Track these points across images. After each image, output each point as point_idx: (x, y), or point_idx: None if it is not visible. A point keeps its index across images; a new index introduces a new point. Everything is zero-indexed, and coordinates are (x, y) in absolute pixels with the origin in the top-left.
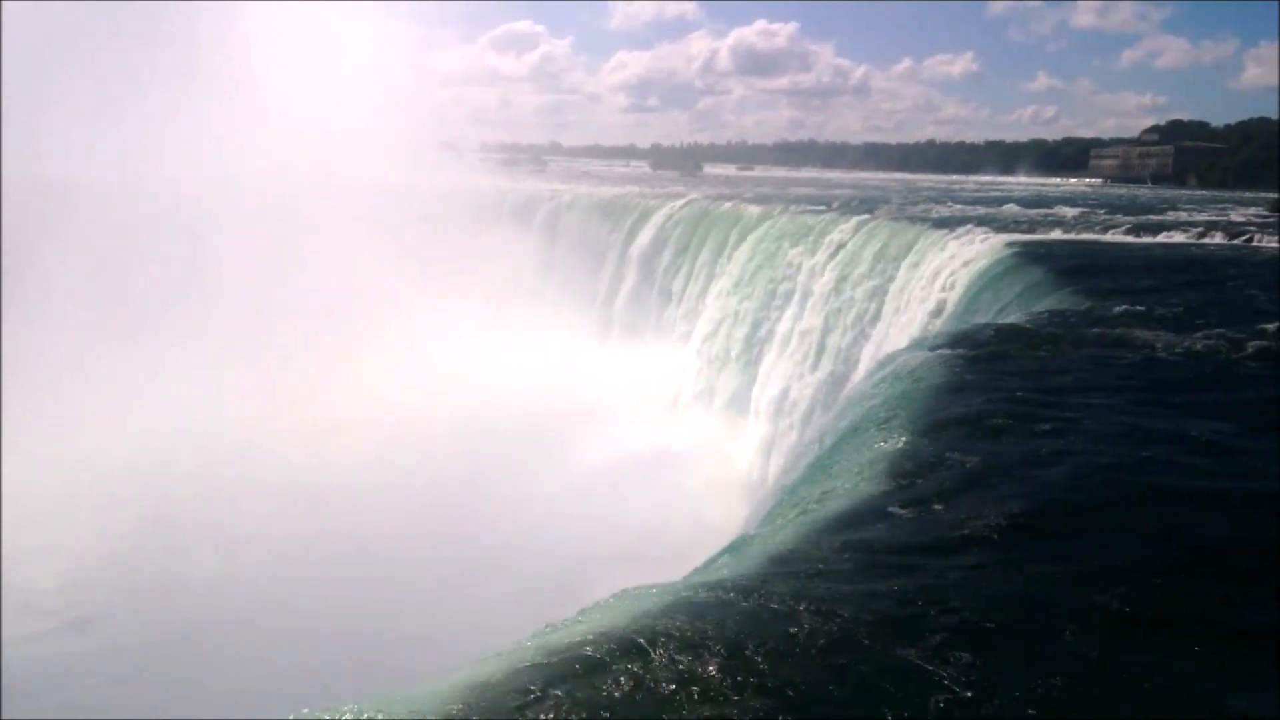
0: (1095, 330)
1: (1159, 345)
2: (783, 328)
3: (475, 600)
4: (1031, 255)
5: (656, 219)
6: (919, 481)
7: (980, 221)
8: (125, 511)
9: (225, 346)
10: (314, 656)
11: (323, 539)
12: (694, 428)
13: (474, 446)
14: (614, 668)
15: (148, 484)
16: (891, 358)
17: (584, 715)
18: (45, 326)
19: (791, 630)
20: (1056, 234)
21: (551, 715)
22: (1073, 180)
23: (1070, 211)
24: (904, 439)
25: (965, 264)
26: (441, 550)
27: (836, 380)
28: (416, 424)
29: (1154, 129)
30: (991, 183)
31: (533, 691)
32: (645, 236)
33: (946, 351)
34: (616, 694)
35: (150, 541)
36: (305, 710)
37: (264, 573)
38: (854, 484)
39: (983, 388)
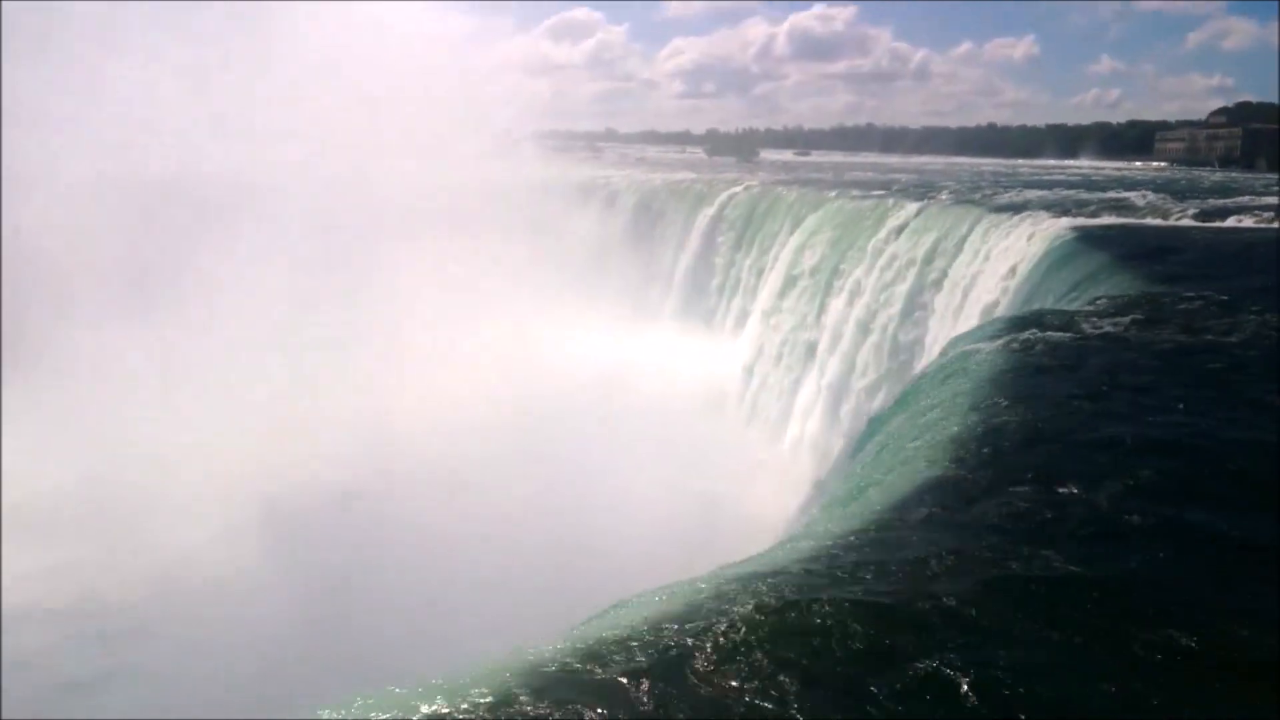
0: (1158, 318)
1: (1223, 333)
2: (840, 314)
3: (537, 586)
4: (1094, 240)
5: (715, 204)
6: (976, 472)
7: (1042, 206)
8: (160, 500)
9: (281, 337)
10: (353, 645)
11: (379, 525)
12: (749, 415)
13: (527, 437)
14: (643, 662)
15: (190, 469)
16: (951, 345)
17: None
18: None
19: (832, 623)
20: (1120, 218)
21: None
22: (1137, 164)
23: (1134, 195)
24: (963, 429)
25: (1027, 250)
26: (498, 539)
27: (895, 368)
28: (472, 413)
29: (1221, 111)
30: (1053, 166)
31: (570, 684)
32: (703, 221)
33: (1007, 339)
34: (641, 692)
35: (190, 531)
36: (359, 699)
37: (318, 561)
38: (911, 474)
39: (1043, 377)
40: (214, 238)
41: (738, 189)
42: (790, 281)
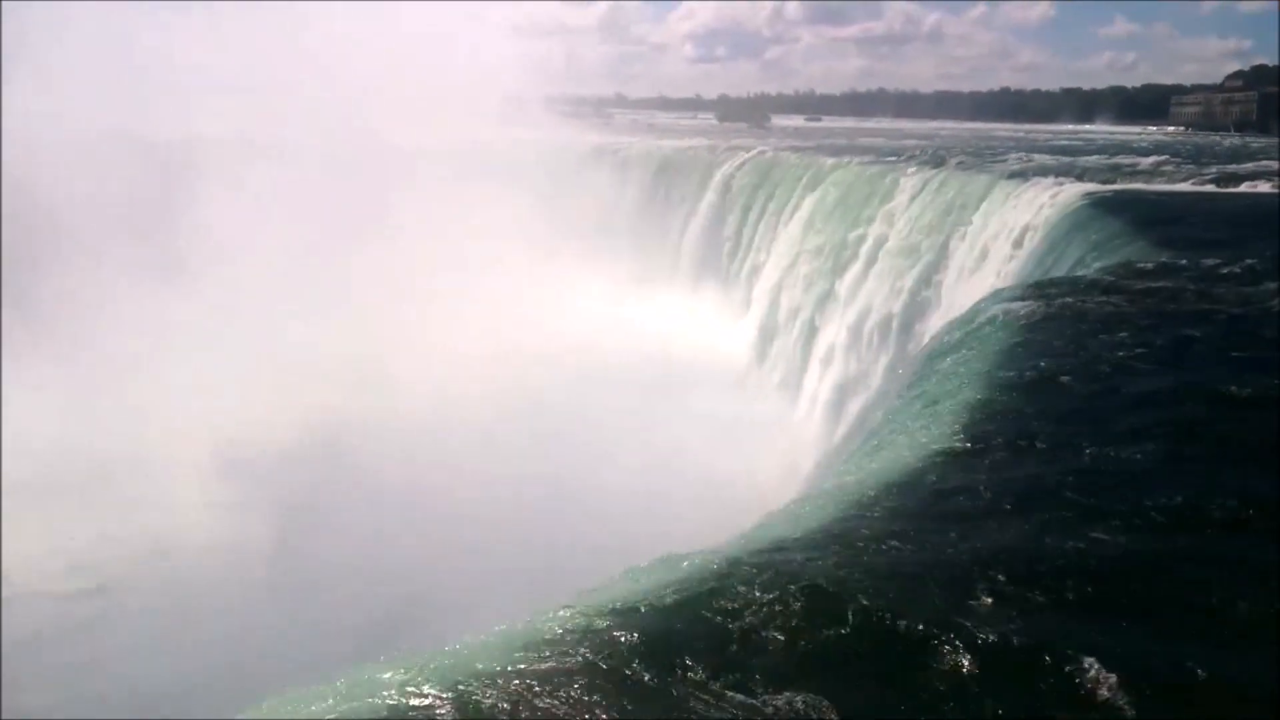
0: (1172, 285)
1: (1238, 300)
2: (852, 281)
3: (547, 546)
4: (1108, 206)
5: (726, 170)
6: (987, 437)
7: (1055, 172)
8: (190, 469)
9: (297, 304)
10: (355, 613)
11: (380, 489)
12: (760, 379)
13: (542, 398)
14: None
15: (216, 437)
16: (963, 312)
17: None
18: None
19: (836, 591)
20: (1135, 184)
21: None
22: (1152, 128)
23: (1149, 160)
24: (974, 394)
25: (1040, 216)
26: (505, 503)
27: (907, 335)
28: (477, 374)
29: (1238, 75)
30: (1068, 131)
31: (576, 651)
32: (713, 188)
33: (1019, 306)
34: (649, 659)
35: (188, 496)
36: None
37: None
38: (922, 439)
39: (1054, 344)
40: (216, 196)
41: (748, 155)
42: (801, 247)
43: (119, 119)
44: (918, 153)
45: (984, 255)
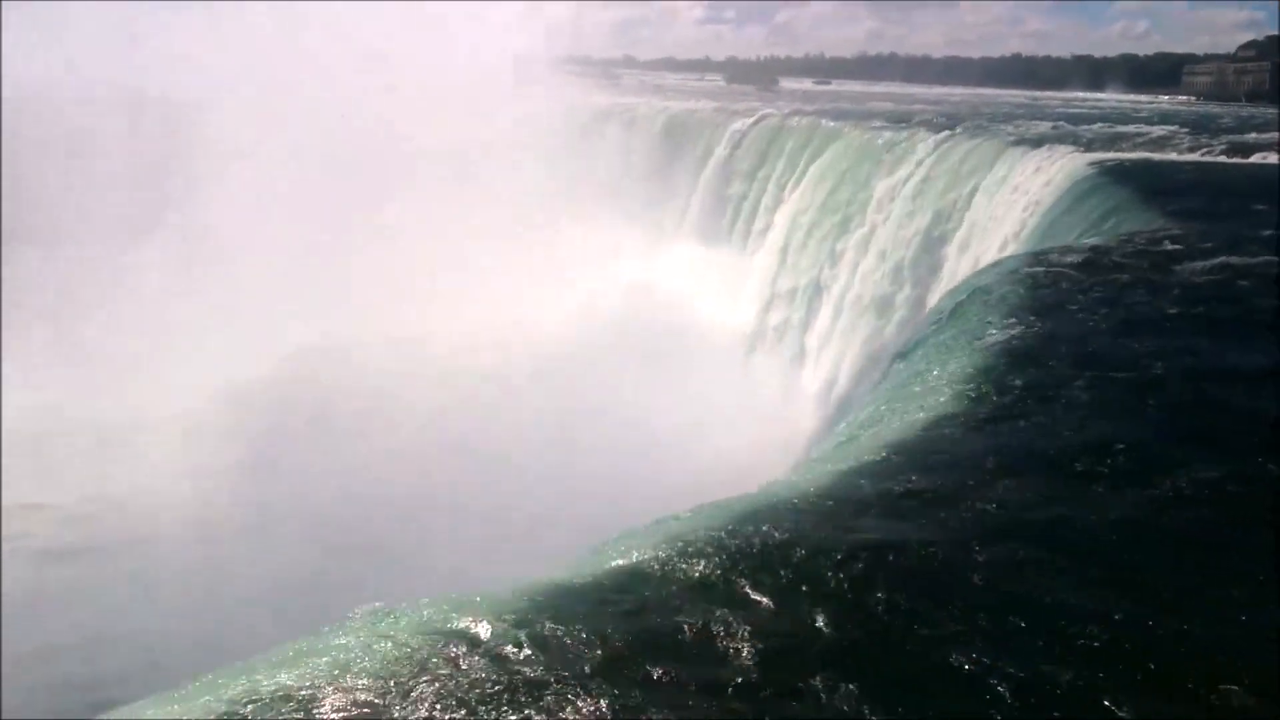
0: (1178, 255)
1: (1245, 271)
2: (857, 246)
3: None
4: (1117, 175)
5: (732, 133)
6: (989, 405)
7: (1064, 139)
8: (209, 437)
9: (306, 276)
10: (361, 568)
11: (386, 452)
12: (766, 343)
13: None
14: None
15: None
16: (970, 279)
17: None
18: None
19: (838, 553)
20: (1143, 153)
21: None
22: (1164, 98)
23: (1159, 129)
24: (976, 362)
25: (1047, 184)
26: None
27: (912, 301)
28: (483, 336)
29: (1250, 45)
30: (1078, 99)
31: (582, 608)
32: (720, 151)
33: (1025, 274)
34: (653, 617)
35: (186, 460)
36: (378, 603)
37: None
38: (923, 407)
39: (1059, 312)
40: (216, 155)
41: (755, 118)
42: (808, 213)
43: (119, 79)
44: (926, 118)
45: (990, 222)
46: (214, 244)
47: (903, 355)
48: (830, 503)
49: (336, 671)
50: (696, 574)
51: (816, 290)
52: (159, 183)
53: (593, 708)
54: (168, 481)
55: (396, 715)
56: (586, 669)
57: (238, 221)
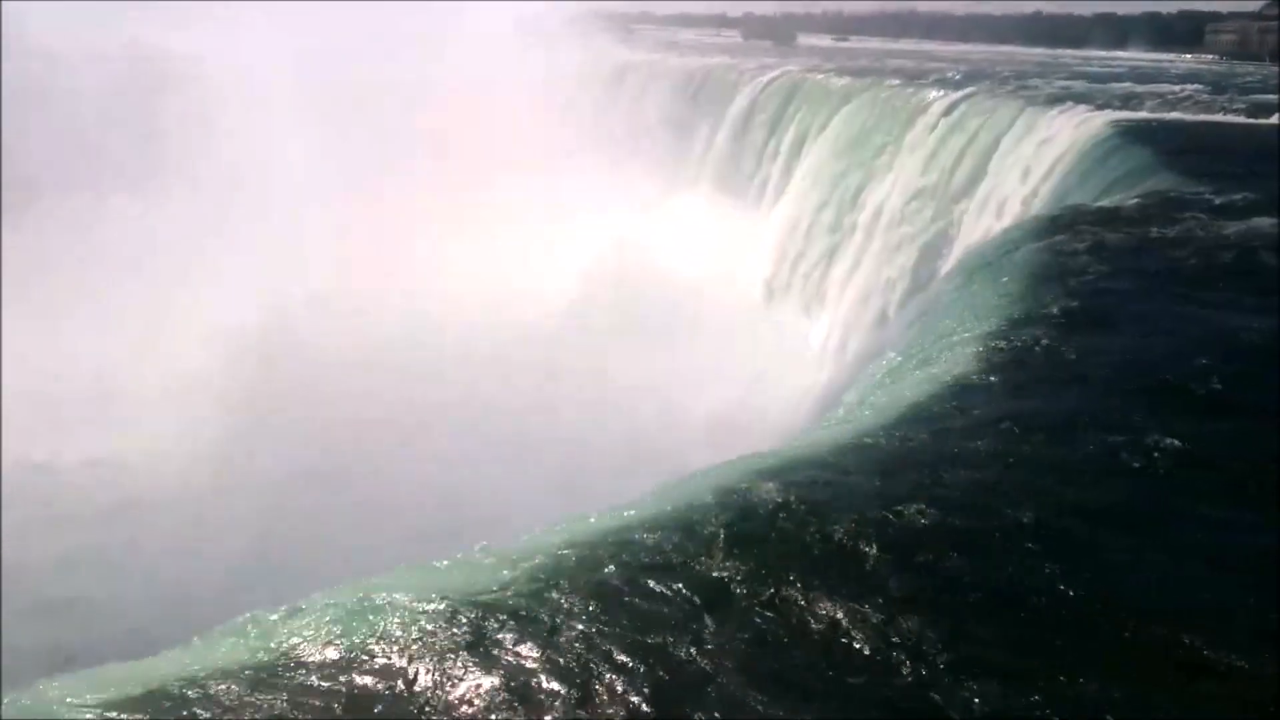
0: (1198, 216)
1: (1264, 234)
2: (873, 206)
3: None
4: (1137, 135)
5: (749, 90)
6: (1004, 368)
7: (1085, 99)
8: (206, 392)
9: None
10: (395, 520)
11: (392, 413)
12: (780, 303)
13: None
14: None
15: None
16: (987, 241)
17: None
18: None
19: (855, 516)
20: (1165, 113)
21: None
22: (1187, 56)
23: (1181, 89)
24: (992, 325)
25: (1067, 144)
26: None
27: (929, 262)
28: (495, 294)
29: (1276, 3)
30: (1100, 57)
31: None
32: (737, 108)
33: (1044, 236)
34: (667, 576)
35: (185, 415)
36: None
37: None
38: (938, 369)
39: (1077, 275)
40: (220, 113)
41: (772, 75)
42: (824, 172)
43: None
44: (946, 76)
45: (1009, 183)
46: (215, 196)
47: (918, 316)
48: (840, 465)
49: (326, 632)
50: (695, 539)
51: (831, 249)
52: (159, 133)
53: (583, 670)
54: (159, 440)
55: (388, 677)
56: (580, 631)
57: (240, 174)
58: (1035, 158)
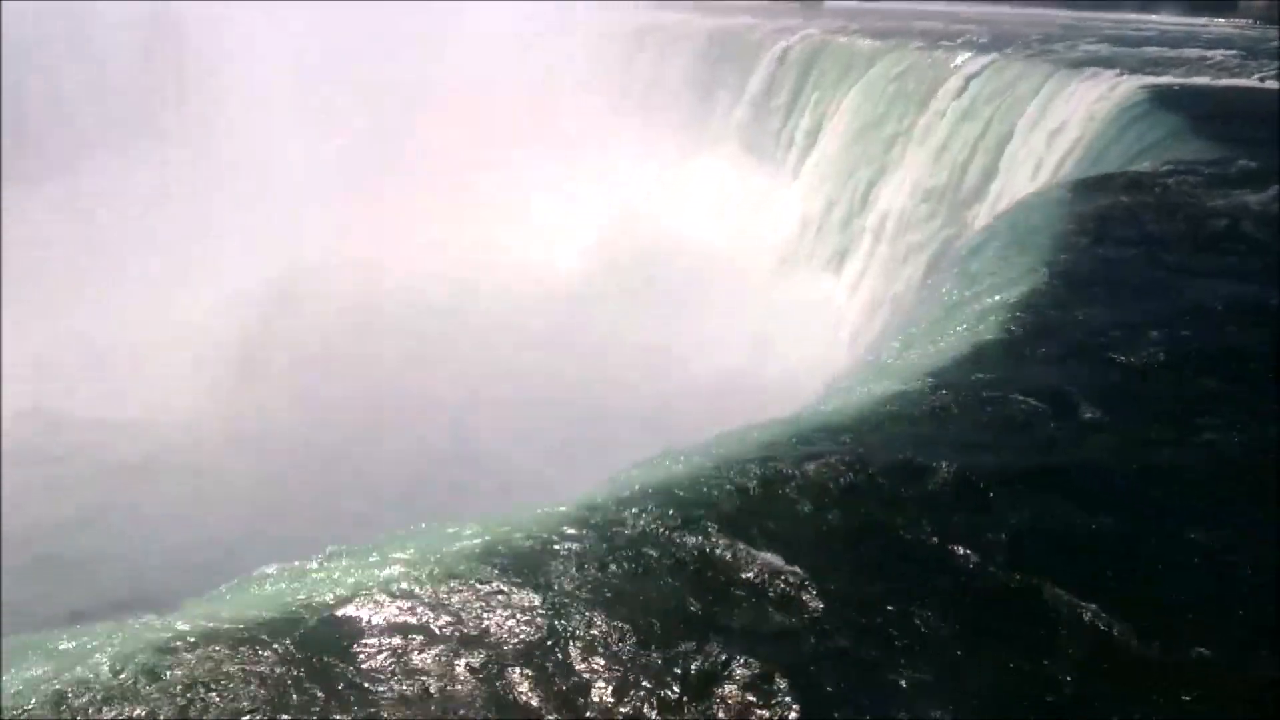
0: (1227, 184)
1: None
2: (899, 170)
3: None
4: (1168, 101)
5: (773, 53)
6: (1026, 336)
7: (1114, 63)
8: (213, 354)
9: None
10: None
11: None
12: (802, 268)
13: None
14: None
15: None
16: (1013, 207)
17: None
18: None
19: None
20: (1196, 78)
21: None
22: (1220, 20)
23: (1214, 54)
24: (1015, 292)
25: (1094, 109)
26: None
27: (954, 227)
28: (515, 257)
29: None
30: (1131, 21)
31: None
32: (760, 72)
33: (1071, 202)
34: (685, 538)
35: (191, 371)
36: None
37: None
38: (959, 336)
39: (1106, 243)
40: (227, 70)
41: (796, 38)
42: (848, 135)
43: None
44: (973, 38)
45: (1036, 147)
46: (223, 153)
47: (941, 281)
48: (857, 431)
49: (333, 590)
50: (708, 503)
51: (855, 213)
52: (163, 89)
53: (593, 636)
54: (165, 401)
55: (395, 640)
56: (587, 596)
57: (248, 131)
58: (1063, 123)
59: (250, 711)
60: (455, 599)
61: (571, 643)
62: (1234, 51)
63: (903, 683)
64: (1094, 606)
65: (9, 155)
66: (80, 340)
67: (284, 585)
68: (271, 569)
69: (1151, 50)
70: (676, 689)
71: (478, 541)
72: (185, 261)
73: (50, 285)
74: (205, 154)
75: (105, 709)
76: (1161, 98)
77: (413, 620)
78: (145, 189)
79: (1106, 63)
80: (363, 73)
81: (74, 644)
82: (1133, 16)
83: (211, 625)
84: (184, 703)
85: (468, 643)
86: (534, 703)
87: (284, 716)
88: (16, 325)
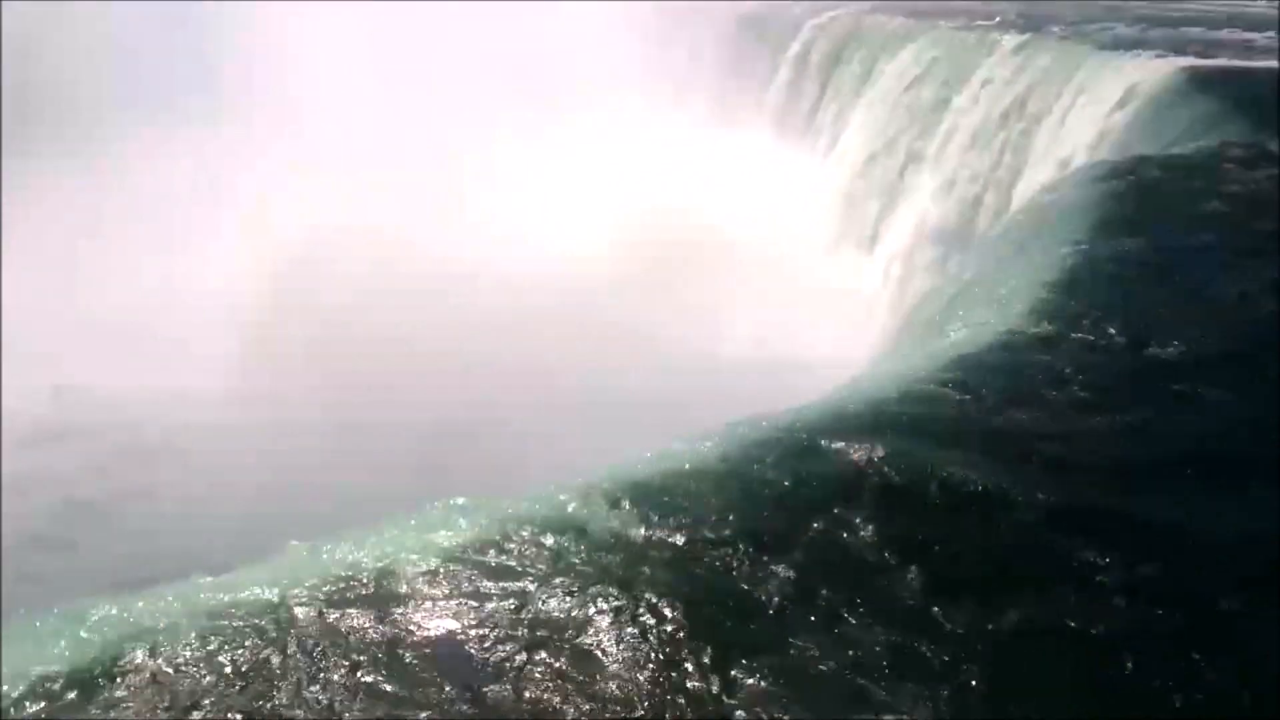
0: (1271, 169)
1: None
2: (936, 150)
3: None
4: (1208, 83)
5: (804, 34)
6: (1059, 321)
7: (1154, 44)
8: (177, 317)
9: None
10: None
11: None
12: (836, 249)
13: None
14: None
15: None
16: (1047, 189)
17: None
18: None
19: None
20: (1238, 60)
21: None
22: (1262, 1)
23: (1260, 35)
24: (1050, 276)
25: (1133, 91)
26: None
27: (988, 210)
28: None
29: None
30: (1171, 1)
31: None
32: (791, 54)
33: (1105, 186)
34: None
35: (205, 350)
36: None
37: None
38: (992, 321)
39: (1139, 229)
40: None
41: (828, 17)
42: (882, 116)
43: None
44: (1010, 18)
45: (1072, 130)
46: (262, 127)
47: (976, 265)
48: (877, 419)
49: (350, 563)
50: (724, 491)
51: (889, 196)
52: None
53: (597, 621)
54: (180, 373)
55: (417, 615)
56: (597, 581)
57: (286, 106)
58: (1100, 105)
59: (278, 680)
60: (470, 574)
61: (572, 625)
62: (1275, 34)
63: (920, 677)
64: (1136, 596)
65: (26, 128)
66: (94, 315)
67: (302, 560)
68: (297, 544)
69: (1193, 31)
70: (680, 674)
71: (491, 521)
72: (202, 233)
73: (63, 259)
74: (235, 122)
75: (116, 688)
76: (1202, 80)
77: (428, 595)
78: (163, 164)
79: (1146, 44)
80: (393, 49)
81: (96, 616)
82: None
83: (231, 598)
84: (209, 678)
85: (480, 618)
86: (534, 680)
87: (311, 688)
88: (30, 301)
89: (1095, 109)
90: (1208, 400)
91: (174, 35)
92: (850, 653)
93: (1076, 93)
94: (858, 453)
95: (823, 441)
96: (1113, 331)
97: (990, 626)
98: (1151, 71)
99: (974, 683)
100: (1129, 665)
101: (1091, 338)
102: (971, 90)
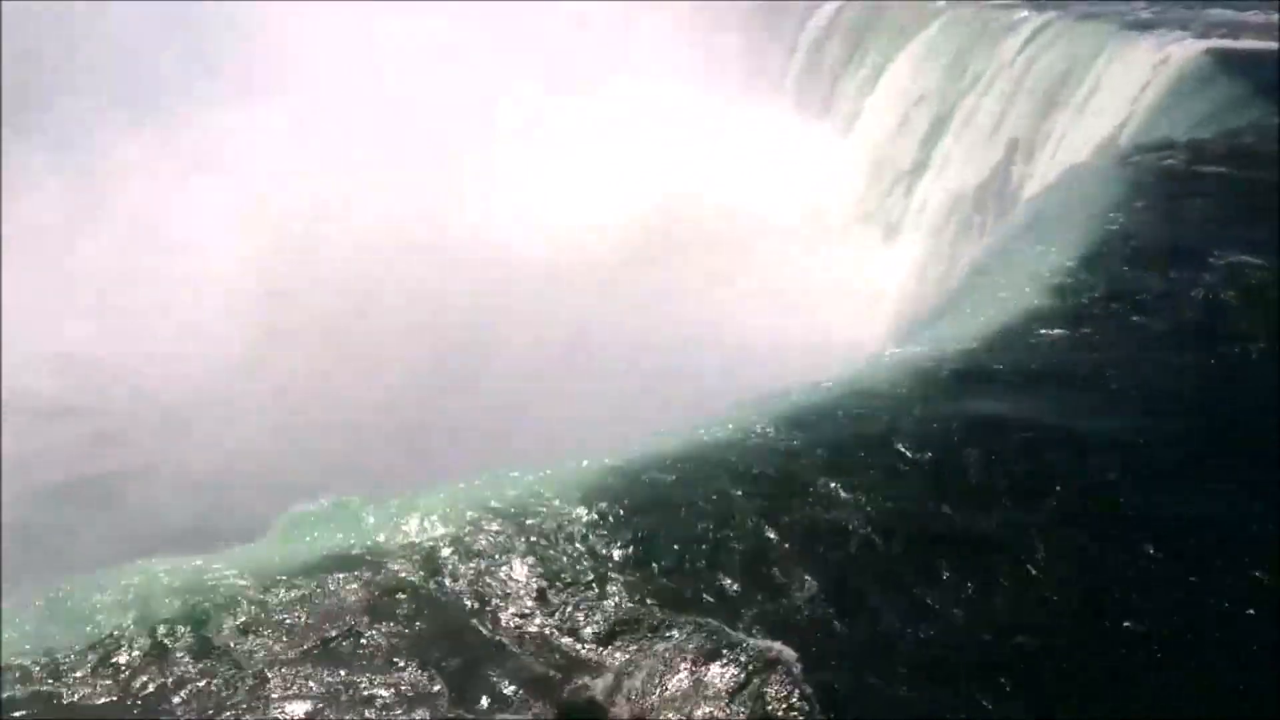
0: None
1: None
2: (954, 134)
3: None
4: (1232, 65)
5: (823, 15)
6: (1076, 303)
7: (1177, 24)
8: (172, 292)
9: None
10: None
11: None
12: (850, 232)
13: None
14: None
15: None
16: (1070, 170)
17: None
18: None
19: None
20: (1261, 42)
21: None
22: None
23: None
24: (1068, 259)
25: (1159, 72)
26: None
27: (1007, 192)
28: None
29: None
30: None
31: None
32: (809, 34)
33: (1128, 170)
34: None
35: (200, 327)
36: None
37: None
38: (1007, 302)
39: (1161, 212)
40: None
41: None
42: (902, 98)
43: None
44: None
45: (1094, 113)
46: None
47: (995, 247)
48: (893, 396)
49: (363, 531)
50: (736, 469)
51: (910, 176)
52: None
53: (601, 598)
54: (189, 338)
55: (427, 573)
56: (599, 560)
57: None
58: (1123, 88)
59: (277, 652)
60: (490, 544)
61: (589, 597)
62: None
63: (918, 664)
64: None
65: (26, 115)
66: (108, 288)
67: (317, 530)
68: (307, 506)
69: (1215, 13)
70: (686, 658)
71: (506, 493)
72: (222, 204)
73: (73, 232)
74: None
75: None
76: (1225, 62)
77: (447, 566)
78: (165, 165)
79: (1169, 24)
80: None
81: (97, 591)
82: None
83: (229, 571)
84: (207, 651)
85: (497, 590)
86: (546, 642)
87: (310, 656)
88: (44, 272)
89: (1118, 92)
90: (1238, 392)
91: (174, 35)
92: (856, 623)
93: (1100, 75)
94: (867, 435)
95: (840, 414)
96: (1124, 315)
97: (987, 619)
98: (1178, 54)
99: (971, 675)
100: (1129, 665)
101: (1114, 320)
102: (993, 73)
